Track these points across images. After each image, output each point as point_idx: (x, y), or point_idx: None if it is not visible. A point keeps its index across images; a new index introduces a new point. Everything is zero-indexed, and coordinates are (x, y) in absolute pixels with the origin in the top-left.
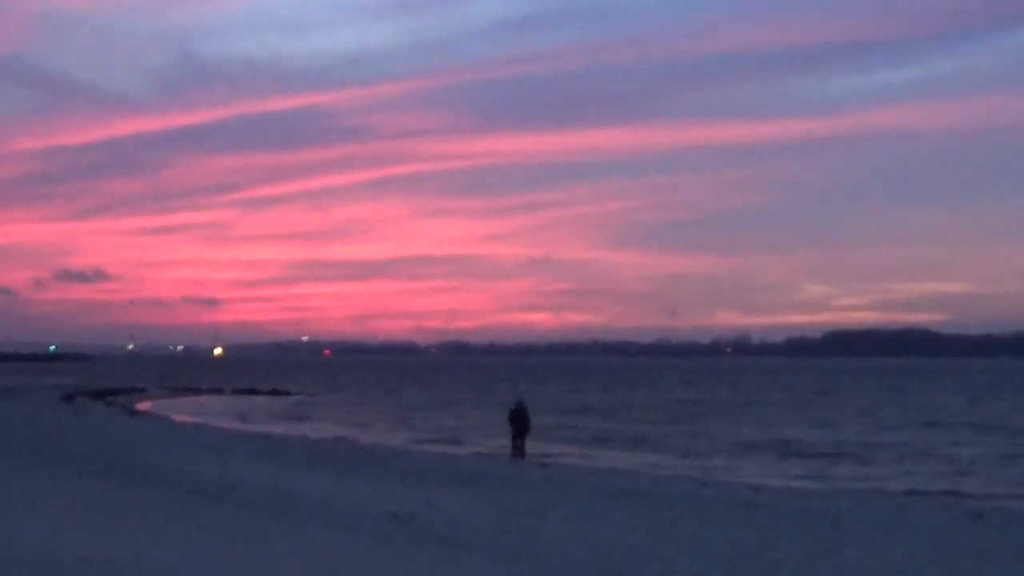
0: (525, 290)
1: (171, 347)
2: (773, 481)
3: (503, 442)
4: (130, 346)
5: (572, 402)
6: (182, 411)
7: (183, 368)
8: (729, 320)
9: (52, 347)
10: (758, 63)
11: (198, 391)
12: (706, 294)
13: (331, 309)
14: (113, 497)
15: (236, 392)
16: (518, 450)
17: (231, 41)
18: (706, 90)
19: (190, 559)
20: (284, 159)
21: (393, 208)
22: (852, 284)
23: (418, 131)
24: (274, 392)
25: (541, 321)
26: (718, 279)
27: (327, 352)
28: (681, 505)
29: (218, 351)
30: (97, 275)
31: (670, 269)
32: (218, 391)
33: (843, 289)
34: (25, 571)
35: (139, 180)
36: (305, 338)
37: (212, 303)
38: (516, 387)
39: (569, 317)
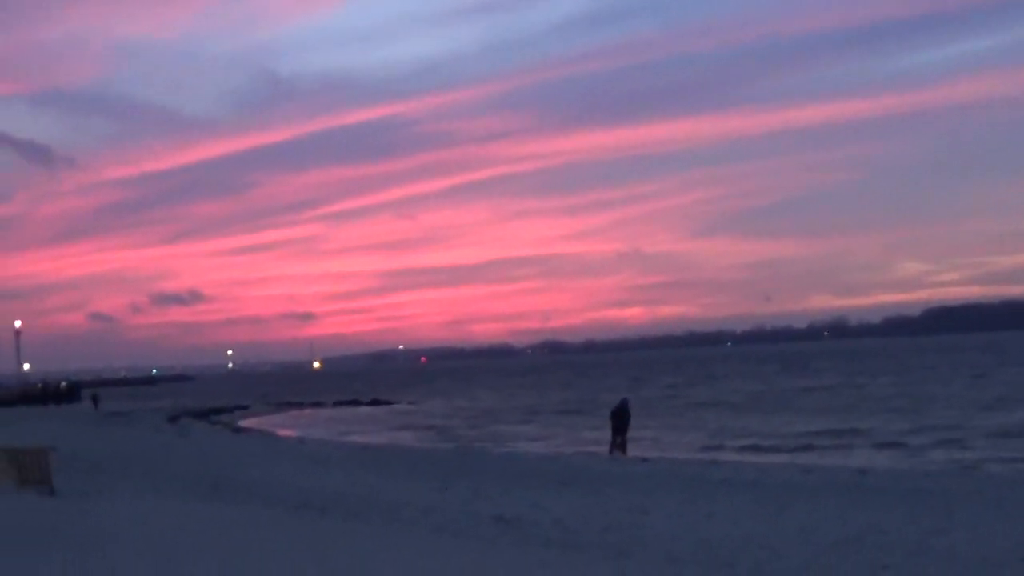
0: (616, 286)
1: (270, 363)
2: (879, 464)
3: (604, 440)
4: (230, 364)
5: (671, 396)
6: (285, 426)
7: (283, 383)
8: (824, 303)
9: (154, 370)
10: (837, 41)
11: (300, 405)
12: (800, 278)
13: (425, 316)
14: (221, 514)
15: (337, 404)
16: (619, 447)
17: (307, 58)
18: (786, 72)
19: (299, 573)
20: (367, 171)
21: (479, 212)
22: (948, 259)
23: (498, 134)
24: (375, 402)
25: (634, 316)
26: (811, 262)
27: (424, 359)
28: (787, 493)
29: (317, 364)
30: (193, 297)
31: (761, 255)
32: (319, 404)
33: (940, 265)
34: None
35: (226, 201)
36: (401, 346)
37: (307, 318)
38: (616, 386)
39: (662, 310)
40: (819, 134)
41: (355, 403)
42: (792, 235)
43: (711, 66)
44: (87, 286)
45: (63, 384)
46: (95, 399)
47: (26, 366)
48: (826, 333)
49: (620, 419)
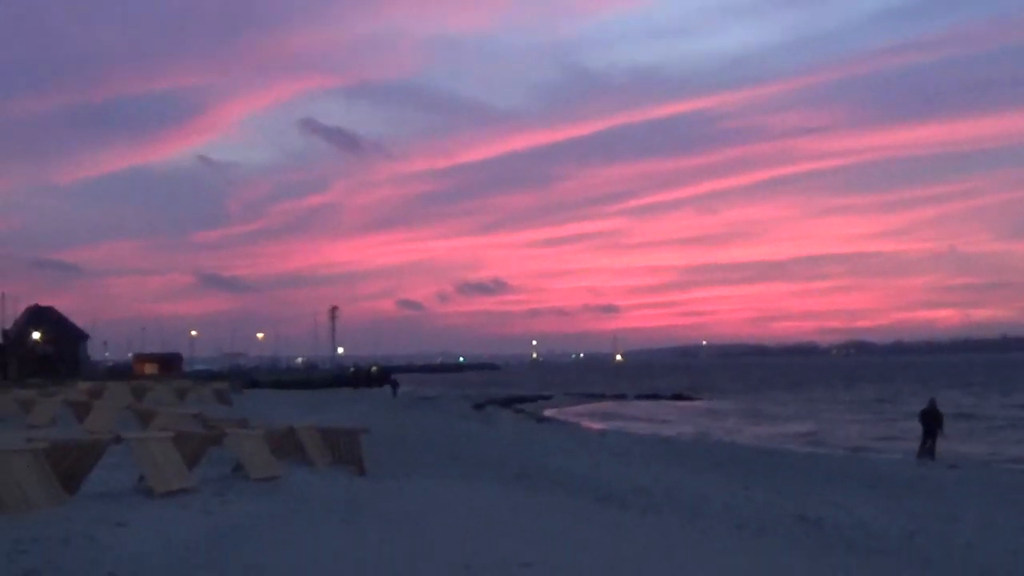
0: (927, 286)
1: (573, 354)
2: None
3: (912, 444)
4: (534, 355)
5: (983, 403)
6: (587, 417)
7: (586, 375)
8: None
9: (461, 358)
10: None
11: (602, 397)
12: None
13: (728, 312)
14: (526, 502)
15: (639, 397)
16: (928, 451)
17: (615, 51)
18: None
19: (601, 564)
20: (673, 165)
21: (785, 208)
22: None
23: (807, 129)
24: (677, 397)
25: (946, 317)
26: None
27: (725, 356)
28: None
29: (619, 357)
30: (498, 287)
31: None
32: (621, 397)
33: None
34: (446, 575)
35: (533, 193)
36: (704, 342)
37: (610, 310)
38: (925, 388)
39: (976, 313)
40: None
41: (656, 397)
42: None
43: None
44: (397, 274)
45: (374, 368)
46: (394, 385)
47: (340, 350)
48: None
49: (930, 421)
